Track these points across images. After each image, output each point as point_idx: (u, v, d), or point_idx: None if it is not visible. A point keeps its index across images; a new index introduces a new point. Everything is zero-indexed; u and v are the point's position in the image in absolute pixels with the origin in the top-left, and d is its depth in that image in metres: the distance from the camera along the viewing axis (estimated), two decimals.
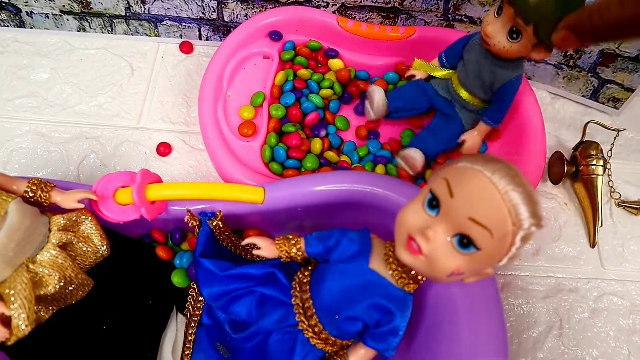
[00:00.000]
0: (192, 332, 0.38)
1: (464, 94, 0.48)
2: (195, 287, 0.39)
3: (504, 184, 0.25)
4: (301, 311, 0.33)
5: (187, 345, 0.38)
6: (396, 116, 0.51)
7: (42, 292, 0.32)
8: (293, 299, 0.34)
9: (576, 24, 0.33)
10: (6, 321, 0.31)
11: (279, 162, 0.48)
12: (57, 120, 0.54)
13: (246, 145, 0.49)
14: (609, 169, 0.55)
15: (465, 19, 0.56)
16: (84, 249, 0.35)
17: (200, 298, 0.38)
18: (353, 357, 0.33)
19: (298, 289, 0.34)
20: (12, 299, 0.31)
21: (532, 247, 0.53)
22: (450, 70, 0.50)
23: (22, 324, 0.31)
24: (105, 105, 0.56)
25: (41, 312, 0.33)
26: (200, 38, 0.60)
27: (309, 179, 0.40)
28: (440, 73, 0.50)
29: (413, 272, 0.30)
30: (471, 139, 0.49)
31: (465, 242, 0.26)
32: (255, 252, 0.36)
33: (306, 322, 0.33)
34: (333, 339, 0.33)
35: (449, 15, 0.56)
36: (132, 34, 0.60)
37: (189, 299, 0.39)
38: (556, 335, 0.49)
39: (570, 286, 0.51)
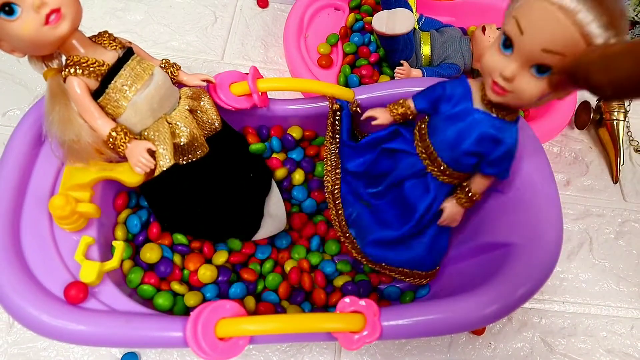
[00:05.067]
0: (337, 194, 0.45)
1: None
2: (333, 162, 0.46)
3: (573, 5, 0.25)
4: (425, 156, 0.39)
5: (337, 202, 0.45)
6: None
7: (175, 141, 0.39)
8: (417, 149, 0.40)
9: (575, 70, 0.26)
10: (152, 154, 0.37)
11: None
12: (150, 53, 0.61)
13: (324, 72, 0.57)
14: (628, 120, 0.64)
15: None
16: (204, 118, 0.42)
17: (338, 170, 0.45)
18: (473, 185, 0.39)
19: (419, 139, 0.39)
20: (156, 141, 0.37)
21: (563, 178, 0.61)
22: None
23: (165, 158, 0.37)
24: (193, 43, 0.64)
25: (177, 158, 0.40)
26: None
27: (391, 83, 0.48)
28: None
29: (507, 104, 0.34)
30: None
31: (543, 69, 0.28)
32: (373, 122, 0.42)
33: (432, 164, 0.39)
34: (457, 173, 0.38)
35: None
36: None
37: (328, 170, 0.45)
38: (587, 250, 0.56)
39: (598, 212, 0.59)
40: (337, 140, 0.45)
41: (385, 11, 0.54)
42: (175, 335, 0.34)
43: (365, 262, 0.44)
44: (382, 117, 0.42)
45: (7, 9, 0.30)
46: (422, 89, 0.46)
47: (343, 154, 0.45)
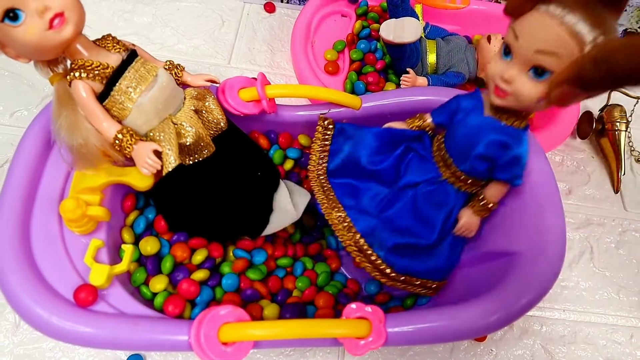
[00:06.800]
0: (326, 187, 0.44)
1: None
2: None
3: (558, 11, 0.28)
4: (442, 164, 0.41)
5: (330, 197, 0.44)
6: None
7: (181, 141, 0.39)
8: (434, 157, 0.42)
9: (578, 76, 0.28)
10: (158, 156, 0.37)
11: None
12: (157, 56, 0.61)
13: (330, 79, 0.58)
14: (629, 131, 0.64)
15: None
16: (209, 118, 0.42)
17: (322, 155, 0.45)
18: (487, 191, 0.41)
19: (437, 147, 0.42)
20: (162, 142, 0.38)
21: (565, 187, 0.61)
22: None
23: (170, 159, 0.38)
24: (200, 46, 0.65)
25: (183, 158, 0.40)
26: (282, 1, 0.69)
27: (397, 92, 0.49)
28: None
29: (514, 111, 0.36)
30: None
31: (539, 71, 0.31)
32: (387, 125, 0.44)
33: (448, 171, 0.41)
34: (472, 179, 0.40)
35: None
36: None
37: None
38: (588, 259, 0.57)
39: (599, 221, 0.59)
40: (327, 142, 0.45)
41: (393, 20, 0.54)
42: (181, 339, 0.34)
43: (378, 276, 0.42)
44: (399, 126, 0.44)
45: (11, 14, 0.30)
46: (427, 97, 0.48)
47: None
